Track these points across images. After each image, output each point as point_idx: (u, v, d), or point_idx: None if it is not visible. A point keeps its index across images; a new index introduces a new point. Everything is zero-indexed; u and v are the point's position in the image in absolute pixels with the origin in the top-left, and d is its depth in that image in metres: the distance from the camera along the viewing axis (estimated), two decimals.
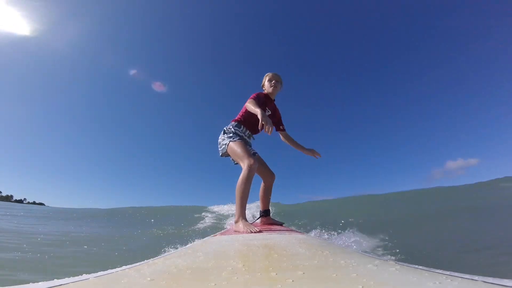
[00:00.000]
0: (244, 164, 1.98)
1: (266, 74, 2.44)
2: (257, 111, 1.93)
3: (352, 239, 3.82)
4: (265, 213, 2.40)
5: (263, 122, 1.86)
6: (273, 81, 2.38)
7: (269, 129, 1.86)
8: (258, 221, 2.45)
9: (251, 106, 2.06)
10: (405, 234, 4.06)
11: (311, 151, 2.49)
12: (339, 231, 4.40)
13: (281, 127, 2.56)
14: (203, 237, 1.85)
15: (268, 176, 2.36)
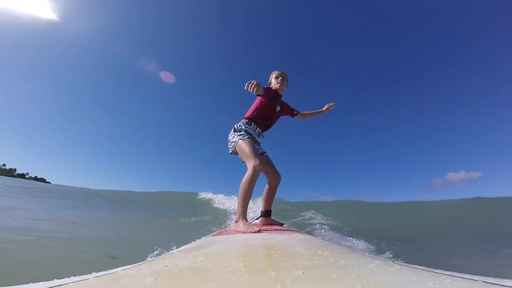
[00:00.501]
0: (250, 165, 1.98)
1: (273, 72, 2.47)
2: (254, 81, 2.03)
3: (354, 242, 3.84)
4: (266, 213, 2.39)
5: (251, 83, 1.96)
6: (280, 78, 2.42)
7: (252, 86, 1.96)
8: (258, 221, 2.44)
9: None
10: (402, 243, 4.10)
11: (327, 107, 2.72)
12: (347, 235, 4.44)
13: (295, 112, 2.67)
14: (202, 236, 1.86)
15: (273, 177, 2.35)
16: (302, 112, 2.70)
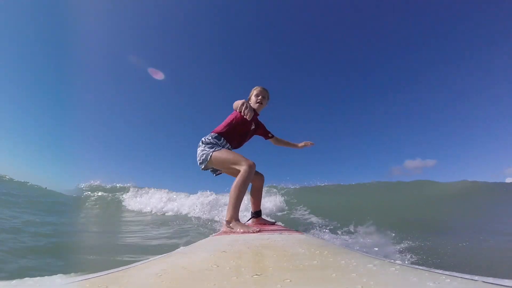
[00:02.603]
0: (244, 165, 1.95)
1: (254, 88, 2.41)
2: (240, 101, 1.97)
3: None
4: (256, 214, 2.39)
5: (244, 107, 1.90)
6: (260, 97, 2.35)
7: (247, 113, 1.90)
8: (250, 222, 2.43)
9: (236, 103, 2.07)
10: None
11: (304, 144, 2.70)
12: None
13: (269, 134, 2.62)
14: (200, 238, 1.85)
15: (258, 179, 2.35)
16: (277, 138, 2.67)
